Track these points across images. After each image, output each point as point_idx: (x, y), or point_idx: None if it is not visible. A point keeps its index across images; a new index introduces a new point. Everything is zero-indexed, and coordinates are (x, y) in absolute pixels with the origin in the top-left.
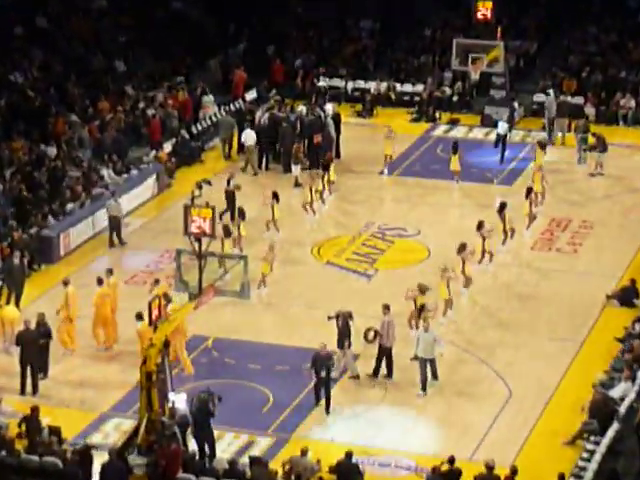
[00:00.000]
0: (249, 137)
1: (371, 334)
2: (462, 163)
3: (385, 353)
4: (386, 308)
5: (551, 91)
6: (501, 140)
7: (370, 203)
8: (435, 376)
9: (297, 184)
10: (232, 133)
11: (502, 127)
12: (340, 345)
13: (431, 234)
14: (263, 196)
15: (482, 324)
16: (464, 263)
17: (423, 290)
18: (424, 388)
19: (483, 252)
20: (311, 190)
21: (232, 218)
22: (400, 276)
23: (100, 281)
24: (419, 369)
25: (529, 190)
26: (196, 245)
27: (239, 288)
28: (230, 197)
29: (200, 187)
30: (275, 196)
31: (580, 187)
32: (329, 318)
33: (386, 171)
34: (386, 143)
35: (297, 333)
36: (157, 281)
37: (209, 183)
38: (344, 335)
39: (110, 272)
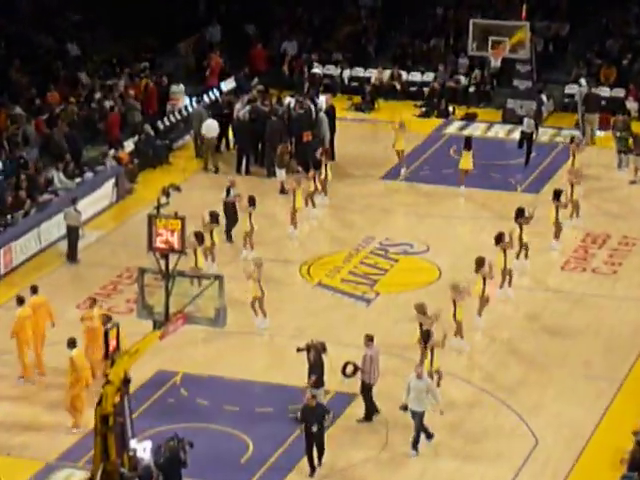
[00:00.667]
0: (210, 129)
1: (350, 368)
2: (477, 165)
3: (365, 391)
4: (369, 339)
5: (583, 80)
6: (526, 139)
7: (370, 214)
8: (428, 435)
9: (282, 190)
10: None
11: (528, 124)
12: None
13: (442, 251)
14: (239, 203)
15: (502, 358)
16: (484, 281)
17: (422, 311)
18: (415, 446)
19: (504, 272)
20: (296, 197)
21: (228, 237)
22: (405, 301)
23: (20, 301)
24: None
25: (557, 194)
26: (162, 263)
27: (213, 314)
28: (229, 210)
29: (167, 194)
30: (252, 203)
31: (619, 196)
32: (298, 350)
33: (403, 170)
34: (397, 137)
35: (282, 368)
36: (94, 301)
37: (178, 189)
38: (315, 371)
39: (34, 290)
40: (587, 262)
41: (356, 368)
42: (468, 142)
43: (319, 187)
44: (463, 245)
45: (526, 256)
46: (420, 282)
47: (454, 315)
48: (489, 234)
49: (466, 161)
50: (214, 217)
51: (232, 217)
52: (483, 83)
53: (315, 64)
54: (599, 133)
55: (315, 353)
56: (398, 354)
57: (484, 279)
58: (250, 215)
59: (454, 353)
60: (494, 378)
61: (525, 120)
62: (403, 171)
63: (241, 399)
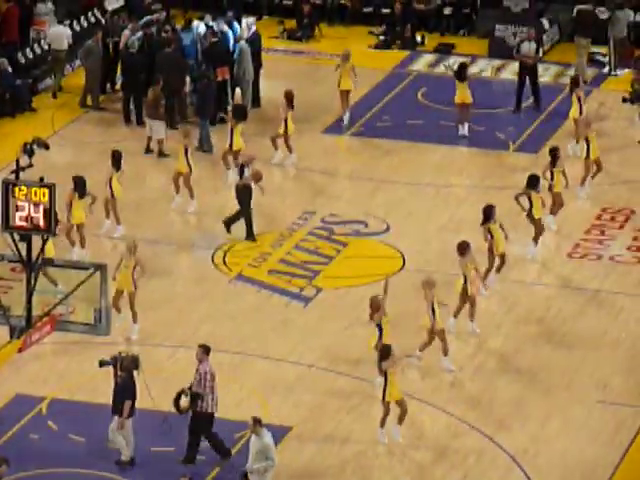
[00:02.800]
0: (56, 38)
1: (184, 400)
2: (455, 116)
3: (204, 423)
4: (205, 351)
5: None
6: (529, 72)
7: (309, 181)
8: None
9: (162, 153)
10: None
11: (529, 50)
12: (115, 410)
13: (407, 231)
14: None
15: (489, 377)
16: (466, 277)
17: (375, 306)
18: None
19: (493, 259)
20: (187, 157)
21: (250, 235)
22: (356, 298)
23: None
24: None
25: (554, 153)
26: (22, 247)
27: (92, 317)
28: (243, 194)
29: (30, 152)
30: (116, 160)
31: None
32: (101, 364)
33: (346, 118)
34: (343, 72)
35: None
36: None
37: (45, 146)
38: (124, 396)
39: None
40: (603, 247)
41: (197, 396)
42: (462, 69)
43: (241, 145)
44: (435, 224)
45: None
46: (377, 273)
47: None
48: (471, 208)
49: (463, 92)
50: (79, 184)
51: (247, 205)
52: (462, 3)
53: None
54: (617, 72)
55: (126, 372)
56: (347, 372)
57: (465, 275)
58: (111, 179)
59: (415, 369)
60: (479, 404)
61: (524, 45)
62: (346, 119)
63: (133, 434)
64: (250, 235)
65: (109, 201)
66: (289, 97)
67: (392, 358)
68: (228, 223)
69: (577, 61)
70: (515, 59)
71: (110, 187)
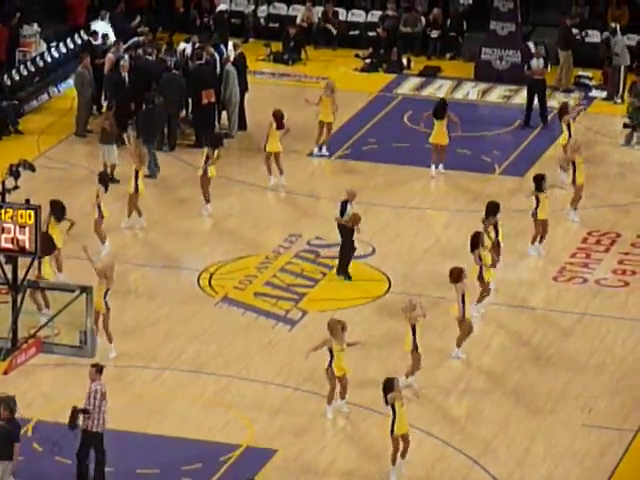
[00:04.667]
0: None
1: (79, 419)
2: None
3: (92, 443)
4: (97, 370)
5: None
6: (538, 89)
7: (295, 203)
8: None
9: (112, 179)
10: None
11: (537, 66)
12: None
13: (393, 254)
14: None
15: (475, 399)
16: (464, 299)
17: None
18: None
19: (482, 282)
20: (137, 180)
21: (343, 271)
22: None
23: None
24: None
25: (538, 179)
26: (8, 270)
27: (78, 339)
28: (345, 233)
29: (16, 174)
30: (102, 180)
31: (635, 182)
32: None
33: (320, 150)
34: (324, 104)
35: (171, 416)
36: None
37: (31, 168)
38: (7, 439)
39: None
40: (589, 270)
41: (83, 412)
42: (441, 108)
43: (212, 171)
44: (421, 246)
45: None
46: (362, 296)
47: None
48: (457, 231)
49: (439, 133)
50: (56, 208)
51: (349, 244)
52: (448, 26)
53: None
54: (597, 93)
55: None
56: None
57: (463, 297)
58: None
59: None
60: (463, 427)
61: (533, 62)
62: (318, 152)
63: (118, 456)
64: (343, 272)
65: (96, 221)
66: (277, 116)
67: (397, 390)
68: (344, 270)
69: (559, 72)
70: (525, 75)
71: (99, 208)
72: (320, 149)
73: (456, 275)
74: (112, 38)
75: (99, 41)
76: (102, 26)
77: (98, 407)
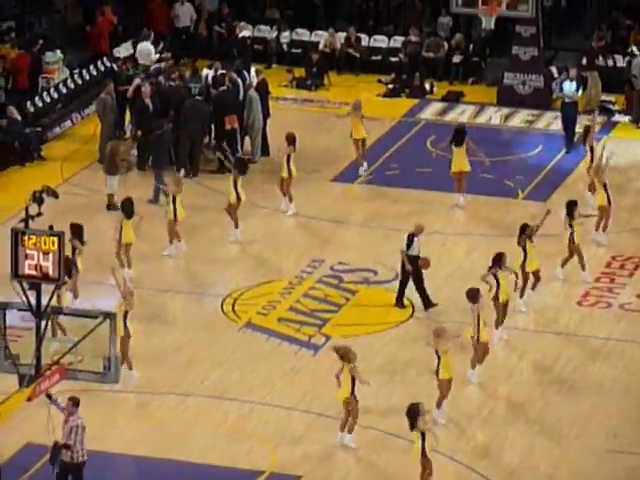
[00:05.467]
0: (144, 54)
1: (62, 455)
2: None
3: (72, 472)
4: (74, 404)
5: (635, 48)
6: (569, 112)
7: (318, 228)
8: None
9: (110, 206)
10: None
11: (570, 89)
12: None
13: None
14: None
15: (499, 425)
16: (479, 321)
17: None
18: None
19: (502, 306)
20: (175, 206)
21: (426, 299)
22: (365, 346)
23: None
24: None
25: (570, 207)
26: (31, 296)
27: (101, 366)
28: (414, 265)
29: (39, 201)
30: (125, 207)
31: None
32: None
33: (363, 167)
34: (353, 123)
35: (194, 442)
36: None
37: (55, 195)
38: None
39: None
40: (613, 295)
41: (67, 446)
42: (459, 134)
43: (243, 197)
44: (444, 271)
45: (533, 287)
46: (386, 322)
47: (436, 372)
48: (481, 256)
49: (459, 160)
50: (77, 231)
51: (419, 276)
52: (471, 51)
53: (243, 24)
54: (620, 117)
55: None
56: (361, 423)
57: (478, 319)
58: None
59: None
60: (488, 452)
61: (565, 84)
62: (362, 170)
63: None
64: (428, 303)
65: (121, 246)
66: (289, 139)
67: (425, 415)
68: (426, 302)
69: (589, 93)
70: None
71: (120, 234)
72: (361, 166)
73: (472, 296)
74: (153, 57)
75: (144, 60)
76: (145, 47)
77: (80, 441)
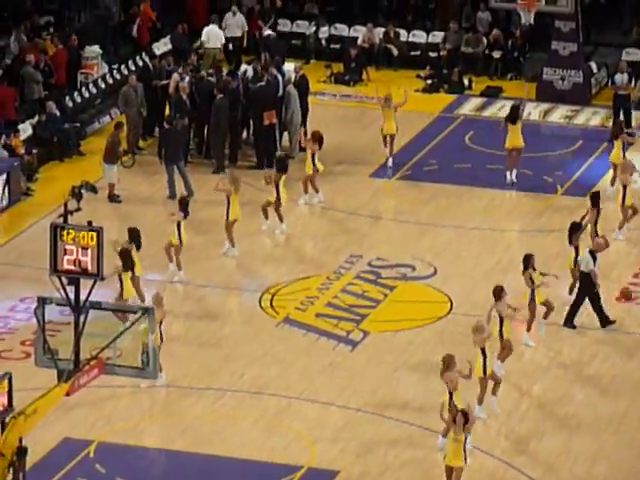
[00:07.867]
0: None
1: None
2: (501, 158)
3: None
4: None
5: None
6: (623, 105)
7: (356, 224)
8: None
9: (111, 197)
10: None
11: (622, 81)
12: None
13: (455, 275)
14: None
15: (535, 421)
16: (502, 320)
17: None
18: None
19: (534, 308)
20: (231, 204)
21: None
22: (403, 342)
23: None
24: None
25: (594, 198)
26: (70, 291)
27: (140, 361)
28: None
29: (78, 196)
30: (183, 206)
31: None
32: None
33: (390, 165)
34: (386, 116)
35: (235, 434)
36: None
37: (94, 190)
38: None
39: None
40: None
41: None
42: (515, 111)
43: (283, 197)
44: (482, 267)
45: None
46: (424, 317)
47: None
48: (519, 251)
49: (514, 137)
50: (135, 236)
51: (584, 293)
52: (510, 47)
53: (278, 19)
54: None
55: None
56: (394, 417)
57: (501, 318)
58: (179, 225)
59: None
60: (526, 448)
61: (617, 77)
62: (390, 164)
63: (178, 477)
64: (605, 320)
65: (174, 246)
66: (315, 137)
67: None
68: (572, 318)
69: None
70: (610, 90)
71: (178, 231)
72: (387, 161)
73: (497, 293)
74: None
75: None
76: (211, 30)
77: None
